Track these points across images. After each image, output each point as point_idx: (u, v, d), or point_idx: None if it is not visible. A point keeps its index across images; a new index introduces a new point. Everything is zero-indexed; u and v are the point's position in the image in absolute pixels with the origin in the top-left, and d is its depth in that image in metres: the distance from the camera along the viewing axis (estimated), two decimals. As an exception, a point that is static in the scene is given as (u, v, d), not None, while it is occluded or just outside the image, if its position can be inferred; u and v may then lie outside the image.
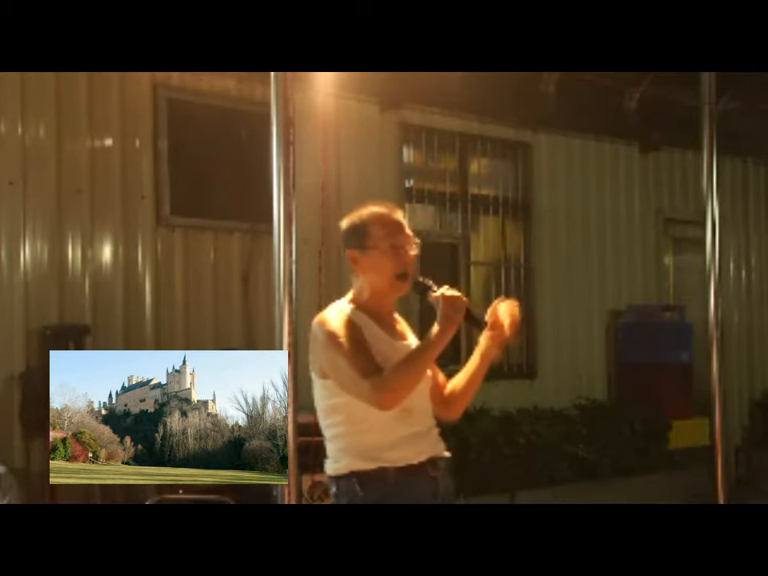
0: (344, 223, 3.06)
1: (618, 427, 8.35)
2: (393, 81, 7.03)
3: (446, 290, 2.88)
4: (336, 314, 2.96)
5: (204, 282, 6.74)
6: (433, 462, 2.97)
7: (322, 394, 2.98)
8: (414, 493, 2.91)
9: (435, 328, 2.84)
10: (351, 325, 2.91)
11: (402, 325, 3.11)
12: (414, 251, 3.00)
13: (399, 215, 3.04)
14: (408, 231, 3.01)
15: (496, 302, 3.03)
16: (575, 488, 7.68)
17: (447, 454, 3.05)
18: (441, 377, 3.14)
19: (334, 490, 3.00)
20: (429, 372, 3.05)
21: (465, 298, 2.88)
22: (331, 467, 2.98)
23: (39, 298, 5.99)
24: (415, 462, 2.92)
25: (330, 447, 2.99)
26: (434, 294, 2.89)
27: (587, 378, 8.99)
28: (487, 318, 3.04)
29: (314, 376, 2.99)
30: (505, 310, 3.00)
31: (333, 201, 6.83)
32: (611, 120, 9.18)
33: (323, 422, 3.01)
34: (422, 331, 3.09)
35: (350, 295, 3.05)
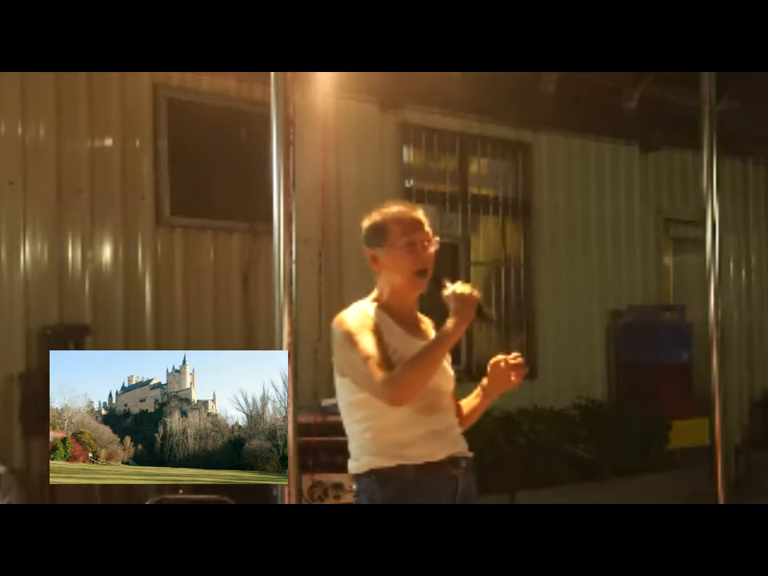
0: (365, 222, 3.08)
1: (618, 427, 8.35)
2: (393, 81, 7.03)
3: (458, 287, 2.89)
4: (355, 313, 2.98)
5: (204, 282, 6.74)
6: (453, 460, 2.98)
7: (342, 392, 3.00)
8: (433, 491, 2.92)
9: (447, 324, 2.86)
10: (369, 323, 2.93)
11: (426, 324, 3.12)
12: (432, 248, 3.02)
13: (418, 213, 3.06)
14: (427, 229, 3.04)
15: (499, 357, 3.05)
16: (575, 488, 7.68)
17: (469, 453, 3.06)
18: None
19: (354, 488, 3.01)
20: (451, 373, 3.07)
21: (477, 294, 2.89)
22: (353, 465, 3.00)
23: (39, 297, 5.99)
24: (435, 459, 2.93)
25: (352, 445, 3.01)
26: (446, 292, 2.90)
27: (587, 378, 8.99)
28: (489, 369, 3.09)
29: (335, 374, 3.01)
30: (510, 367, 3.04)
31: (333, 201, 6.84)
32: (611, 120, 9.18)
33: (345, 420, 3.03)
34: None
35: (372, 294, 3.07)
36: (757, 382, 10.43)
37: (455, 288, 2.89)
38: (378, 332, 2.91)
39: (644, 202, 9.68)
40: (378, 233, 3.03)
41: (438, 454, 2.94)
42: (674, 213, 9.86)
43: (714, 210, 4.36)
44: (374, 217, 3.06)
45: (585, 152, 9.18)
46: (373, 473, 2.93)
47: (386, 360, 2.85)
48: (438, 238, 3.06)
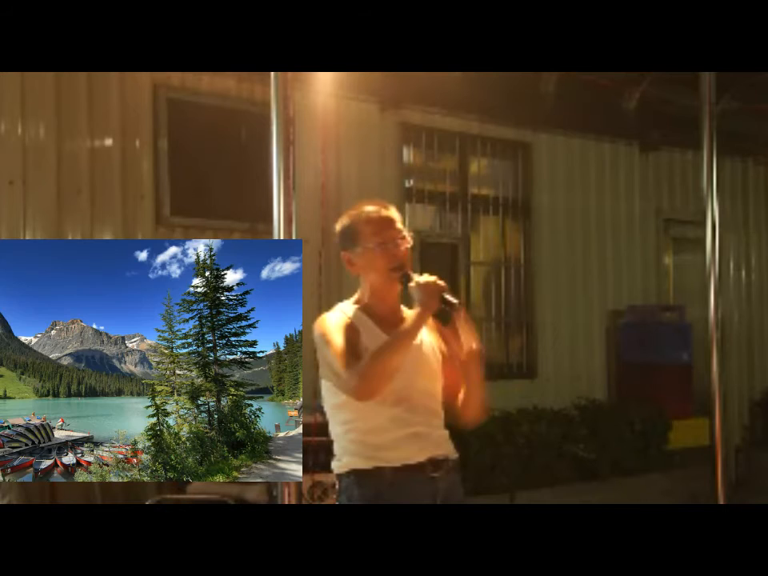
0: (337, 226, 3.08)
1: (618, 427, 8.35)
2: (393, 81, 7.02)
3: (422, 278, 2.90)
4: (334, 315, 3.00)
5: (204, 282, 6.73)
6: (434, 462, 2.96)
7: (326, 395, 3.02)
8: (411, 493, 2.91)
9: (411, 314, 2.86)
10: (345, 324, 2.95)
11: None
12: (406, 244, 3.01)
13: (387, 211, 3.05)
14: (398, 225, 3.03)
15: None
16: (575, 488, 7.68)
17: (453, 455, 3.03)
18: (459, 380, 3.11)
19: (337, 487, 3.02)
20: (440, 374, 3.05)
21: (440, 283, 2.88)
22: (335, 465, 3.02)
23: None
24: (413, 461, 2.92)
25: (335, 446, 3.03)
26: (411, 284, 2.91)
27: (587, 378, 8.99)
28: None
29: (320, 378, 3.02)
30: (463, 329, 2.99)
31: (333, 201, 6.83)
32: (611, 120, 9.17)
33: (330, 421, 3.04)
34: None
35: (354, 296, 3.07)
36: (757, 382, 10.42)
37: (418, 279, 2.90)
38: (354, 332, 2.92)
39: (644, 202, 9.67)
40: (350, 235, 3.04)
41: (417, 456, 2.93)
42: (673, 213, 9.86)
43: (714, 210, 4.36)
44: (343, 220, 3.07)
45: (585, 152, 9.17)
46: (352, 473, 2.94)
47: (356, 357, 2.85)
48: (410, 234, 3.05)
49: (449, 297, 2.89)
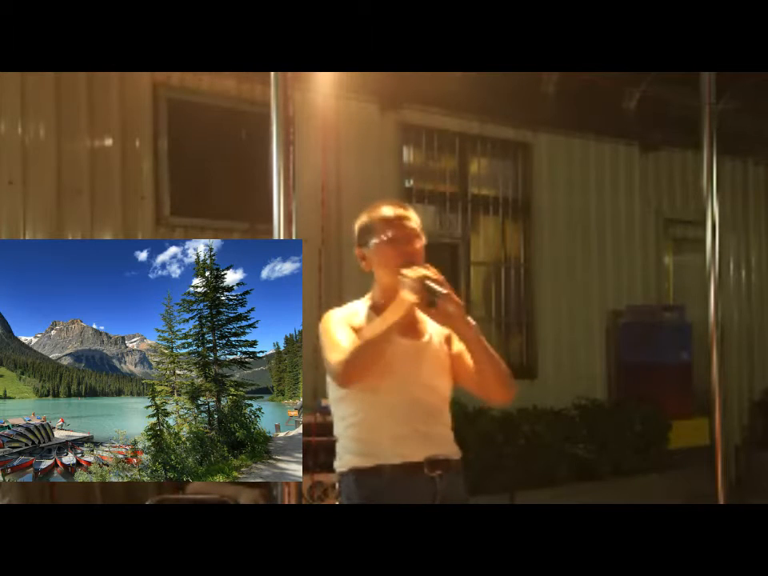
0: (356, 224, 3.10)
1: (618, 427, 8.35)
2: (393, 81, 7.03)
3: (408, 270, 2.91)
4: (343, 309, 3.03)
5: (204, 281, 6.73)
6: (434, 462, 2.95)
7: (329, 390, 3.02)
8: (409, 492, 2.90)
9: (392, 305, 2.88)
10: (351, 320, 2.97)
11: (424, 323, 3.09)
12: (419, 243, 3.02)
13: (402, 210, 3.07)
14: (411, 224, 3.04)
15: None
16: (575, 488, 7.68)
17: (455, 456, 3.02)
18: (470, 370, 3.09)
19: (338, 486, 3.02)
20: (446, 368, 3.04)
21: (423, 272, 2.89)
22: (336, 464, 3.02)
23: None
24: (412, 460, 2.92)
25: (338, 445, 3.03)
26: (402, 279, 2.92)
27: (587, 378, 8.99)
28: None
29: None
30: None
31: (333, 201, 6.84)
32: (611, 120, 9.17)
33: (333, 418, 3.04)
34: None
35: (368, 294, 3.08)
36: (757, 382, 10.42)
37: (405, 272, 2.91)
38: (357, 328, 2.93)
39: (644, 202, 9.68)
40: (364, 232, 3.06)
41: (416, 454, 2.92)
42: (674, 213, 9.86)
43: (714, 210, 4.37)
44: (362, 218, 3.10)
45: (585, 152, 9.17)
46: (352, 472, 2.94)
47: (346, 345, 2.87)
48: (422, 233, 3.05)
49: (432, 285, 2.89)
